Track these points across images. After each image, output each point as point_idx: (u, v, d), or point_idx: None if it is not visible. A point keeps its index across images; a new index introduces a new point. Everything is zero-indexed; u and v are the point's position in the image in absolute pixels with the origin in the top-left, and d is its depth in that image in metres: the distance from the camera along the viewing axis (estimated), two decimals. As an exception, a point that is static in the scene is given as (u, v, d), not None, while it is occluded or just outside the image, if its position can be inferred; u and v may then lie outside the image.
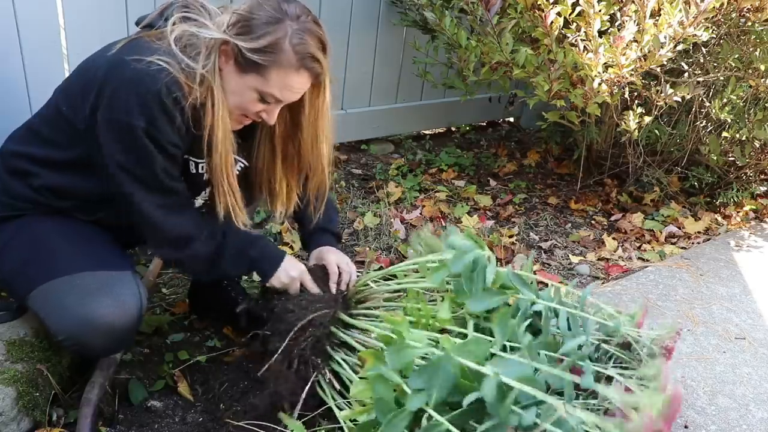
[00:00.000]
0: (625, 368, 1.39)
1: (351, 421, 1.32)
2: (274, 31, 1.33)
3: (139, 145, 1.35)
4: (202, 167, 1.52)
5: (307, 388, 1.47)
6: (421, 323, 1.43)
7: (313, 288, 1.63)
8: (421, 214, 2.71)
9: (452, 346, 1.29)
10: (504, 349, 1.33)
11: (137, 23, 1.50)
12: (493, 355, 1.32)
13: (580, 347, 1.39)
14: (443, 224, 2.67)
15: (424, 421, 1.20)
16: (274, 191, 1.65)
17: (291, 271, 1.61)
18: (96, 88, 1.35)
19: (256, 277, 2.14)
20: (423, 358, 1.30)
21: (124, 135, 1.34)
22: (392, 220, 2.60)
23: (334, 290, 1.65)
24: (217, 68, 1.36)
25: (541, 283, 1.60)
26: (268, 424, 1.52)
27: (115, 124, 1.34)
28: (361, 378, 1.35)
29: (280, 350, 1.51)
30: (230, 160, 1.45)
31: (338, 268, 1.69)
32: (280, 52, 1.33)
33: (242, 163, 1.62)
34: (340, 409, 1.41)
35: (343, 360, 1.51)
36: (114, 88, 1.33)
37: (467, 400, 1.18)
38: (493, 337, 1.34)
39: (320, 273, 1.68)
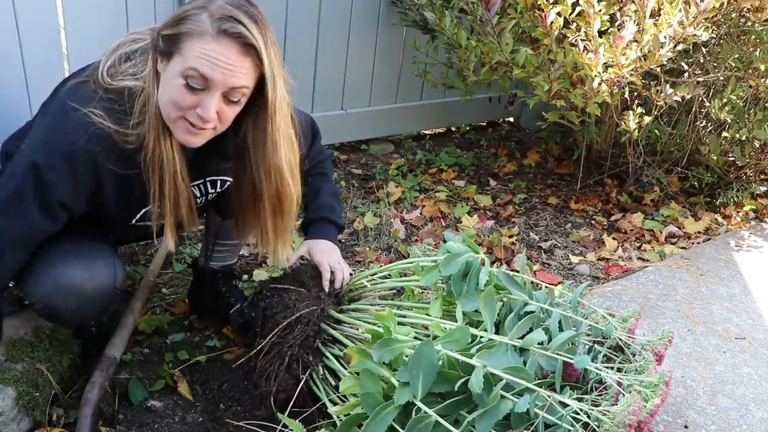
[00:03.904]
0: (619, 370, 1.39)
1: (345, 416, 1.33)
2: (193, 8, 1.24)
3: (22, 178, 1.29)
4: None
5: (300, 385, 1.47)
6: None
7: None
8: (421, 214, 2.71)
9: (437, 334, 1.30)
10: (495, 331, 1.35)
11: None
12: (481, 338, 1.33)
13: (573, 343, 1.40)
14: (443, 224, 2.67)
15: (414, 414, 1.21)
16: (245, 216, 1.53)
17: None
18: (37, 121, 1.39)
19: (259, 275, 2.16)
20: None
21: (15, 164, 1.32)
22: (392, 220, 2.60)
23: (327, 289, 1.62)
24: (153, 76, 1.29)
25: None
26: (268, 424, 1.52)
27: (26, 148, 1.31)
28: (350, 373, 1.35)
29: (260, 347, 1.52)
30: (169, 167, 1.34)
31: (330, 266, 1.66)
32: (195, 21, 1.22)
33: (228, 180, 1.56)
34: (335, 404, 1.41)
35: (335, 356, 1.51)
36: (42, 126, 1.34)
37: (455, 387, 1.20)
38: (485, 330, 1.35)
39: (312, 272, 1.67)
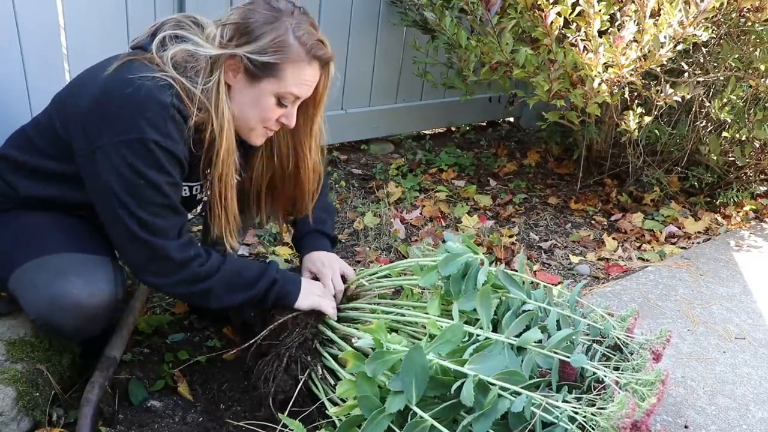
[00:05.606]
0: (616, 369, 1.39)
1: (345, 416, 1.33)
2: (275, 29, 1.32)
3: (152, 161, 1.29)
4: (196, 189, 1.50)
5: (299, 385, 1.48)
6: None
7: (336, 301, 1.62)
8: (421, 214, 2.71)
9: (435, 333, 1.30)
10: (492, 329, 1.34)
11: (131, 47, 1.44)
12: (477, 336, 1.33)
13: (571, 342, 1.40)
14: (443, 224, 2.67)
15: (410, 419, 1.21)
16: (259, 205, 1.68)
17: (314, 290, 1.58)
18: (93, 112, 1.30)
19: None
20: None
21: (135, 153, 1.28)
22: (392, 220, 2.60)
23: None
24: (221, 85, 1.34)
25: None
26: (268, 424, 1.52)
27: (123, 146, 1.28)
28: (348, 374, 1.35)
29: (256, 338, 1.54)
30: (231, 181, 1.43)
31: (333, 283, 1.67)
32: (288, 47, 1.33)
33: (237, 177, 1.58)
34: (334, 404, 1.41)
35: (334, 356, 1.51)
36: (117, 107, 1.28)
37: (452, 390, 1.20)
38: (481, 329, 1.35)
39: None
